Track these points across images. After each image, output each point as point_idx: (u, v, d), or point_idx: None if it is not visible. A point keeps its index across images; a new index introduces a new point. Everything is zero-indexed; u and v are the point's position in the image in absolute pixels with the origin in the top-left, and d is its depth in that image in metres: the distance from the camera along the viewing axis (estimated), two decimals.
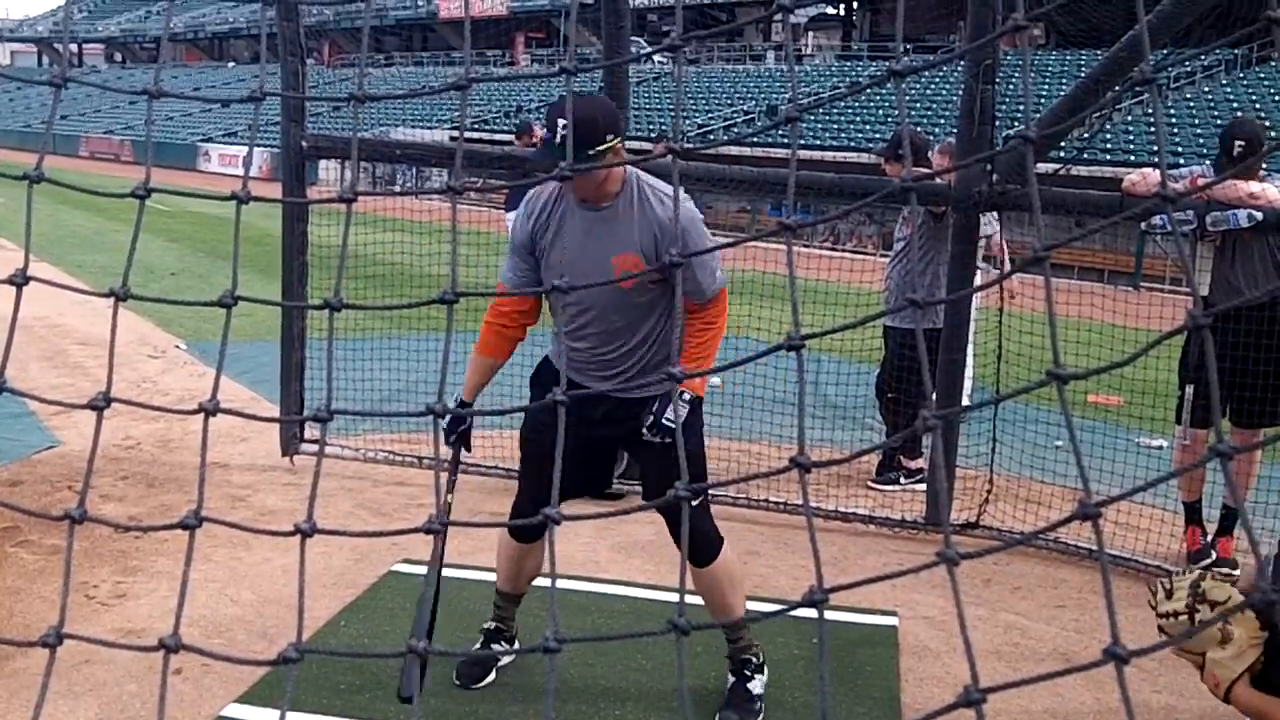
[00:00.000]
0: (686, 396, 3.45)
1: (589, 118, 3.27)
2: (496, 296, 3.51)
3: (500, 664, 3.89)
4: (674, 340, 3.49)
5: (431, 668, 3.69)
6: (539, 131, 13.22)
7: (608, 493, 5.30)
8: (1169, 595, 3.05)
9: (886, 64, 1.03)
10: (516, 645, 3.96)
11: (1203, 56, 25.00)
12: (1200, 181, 4.94)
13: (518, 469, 3.95)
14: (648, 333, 3.51)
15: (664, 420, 3.41)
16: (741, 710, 3.64)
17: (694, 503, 3.49)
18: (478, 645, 3.95)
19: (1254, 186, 4.77)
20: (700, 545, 3.54)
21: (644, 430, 3.43)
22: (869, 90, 28.78)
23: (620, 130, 3.37)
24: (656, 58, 33.45)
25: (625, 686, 3.82)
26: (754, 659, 3.72)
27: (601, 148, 3.26)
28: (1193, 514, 5.28)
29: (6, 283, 1.24)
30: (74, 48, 67.86)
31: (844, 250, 20.45)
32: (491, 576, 4.59)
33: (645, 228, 3.39)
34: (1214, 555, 5.19)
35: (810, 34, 42.56)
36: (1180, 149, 20.96)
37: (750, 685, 3.68)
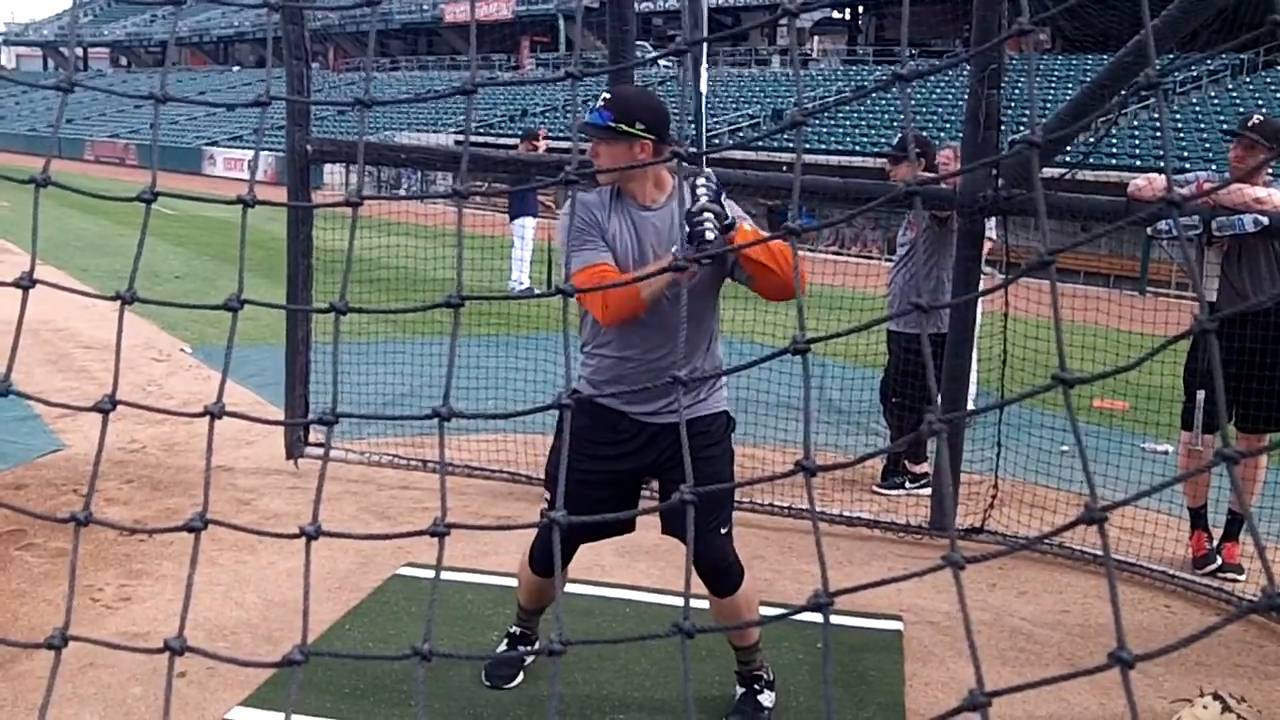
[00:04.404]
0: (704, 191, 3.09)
1: (631, 98, 3.39)
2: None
3: (526, 664, 3.92)
4: (679, 344, 3.48)
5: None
6: (543, 138, 13.31)
7: None
8: None
9: (892, 68, 1.03)
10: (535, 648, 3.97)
11: (1208, 61, 24.96)
12: (1206, 186, 4.93)
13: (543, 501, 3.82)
14: (696, 343, 3.47)
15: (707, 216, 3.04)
16: (749, 717, 3.65)
17: (723, 530, 3.49)
18: (503, 647, 3.97)
19: (1260, 191, 4.77)
20: (725, 575, 3.50)
21: (693, 223, 3.05)
22: (874, 95, 28.75)
23: (657, 131, 3.32)
24: (661, 62, 33.49)
25: (629, 690, 3.82)
26: (765, 675, 3.73)
27: (627, 129, 3.29)
28: (1198, 519, 5.27)
29: (13, 285, 1.25)
30: (79, 52, 67.98)
31: (849, 255, 20.44)
32: (494, 580, 4.61)
33: None
34: (1219, 561, 5.18)
35: (816, 38, 42.58)
36: (1186, 154, 20.94)
37: (760, 697, 3.70)
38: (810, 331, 1.06)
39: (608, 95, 3.41)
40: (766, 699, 3.69)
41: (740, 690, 3.70)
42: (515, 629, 3.99)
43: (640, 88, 3.75)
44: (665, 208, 3.42)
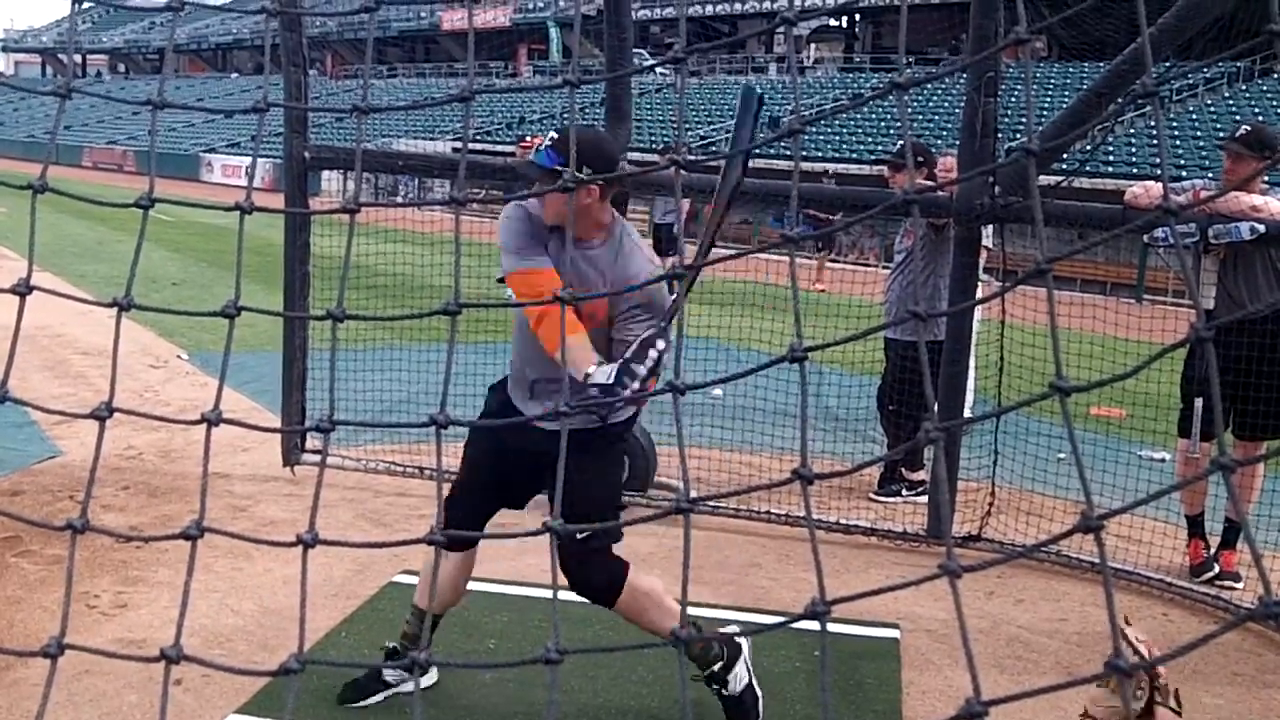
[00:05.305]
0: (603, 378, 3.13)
1: (578, 142, 3.35)
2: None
3: (393, 691, 3.73)
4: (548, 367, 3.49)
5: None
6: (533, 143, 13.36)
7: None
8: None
9: (889, 76, 1.04)
10: (435, 672, 3.76)
11: (1205, 69, 25.04)
12: (1203, 194, 4.94)
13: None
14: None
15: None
16: None
17: (591, 545, 3.38)
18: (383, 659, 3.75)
19: (1256, 199, 4.78)
20: (599, 591, 3.48)
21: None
22: (871, 102, 28.80)
23: (601, 171, 3.24)
24: (659, 70, 33.52)
25: (625, 699, 3.82)
26: (715, 666, 3.54)
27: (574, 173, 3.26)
28: (1195, 527, 5.27)
29: (9, 292, 1.24)
30: (78, 58, 68.00)
31: (845, 262, 20.45)
32: (490, 587, 4.60)
33: (619, 278, 3.40)
34: (1217, 569, 5.17)
35: (813, 46, 42.62)
36: (1183, 162, 20.98)
37: (728, 689, 3.54)
38: (807, 339, 1.06)
39: (555, 136, 3.41)
40: (734, 683, 3.53)
41: (719, 699, 3.57)
42: (402, 643, 3.77)
43: (592, 129, 3.76)
44: (599, 250, 3.44)
